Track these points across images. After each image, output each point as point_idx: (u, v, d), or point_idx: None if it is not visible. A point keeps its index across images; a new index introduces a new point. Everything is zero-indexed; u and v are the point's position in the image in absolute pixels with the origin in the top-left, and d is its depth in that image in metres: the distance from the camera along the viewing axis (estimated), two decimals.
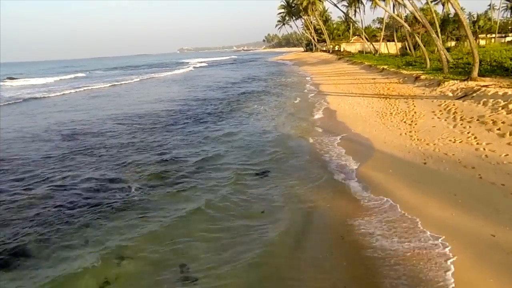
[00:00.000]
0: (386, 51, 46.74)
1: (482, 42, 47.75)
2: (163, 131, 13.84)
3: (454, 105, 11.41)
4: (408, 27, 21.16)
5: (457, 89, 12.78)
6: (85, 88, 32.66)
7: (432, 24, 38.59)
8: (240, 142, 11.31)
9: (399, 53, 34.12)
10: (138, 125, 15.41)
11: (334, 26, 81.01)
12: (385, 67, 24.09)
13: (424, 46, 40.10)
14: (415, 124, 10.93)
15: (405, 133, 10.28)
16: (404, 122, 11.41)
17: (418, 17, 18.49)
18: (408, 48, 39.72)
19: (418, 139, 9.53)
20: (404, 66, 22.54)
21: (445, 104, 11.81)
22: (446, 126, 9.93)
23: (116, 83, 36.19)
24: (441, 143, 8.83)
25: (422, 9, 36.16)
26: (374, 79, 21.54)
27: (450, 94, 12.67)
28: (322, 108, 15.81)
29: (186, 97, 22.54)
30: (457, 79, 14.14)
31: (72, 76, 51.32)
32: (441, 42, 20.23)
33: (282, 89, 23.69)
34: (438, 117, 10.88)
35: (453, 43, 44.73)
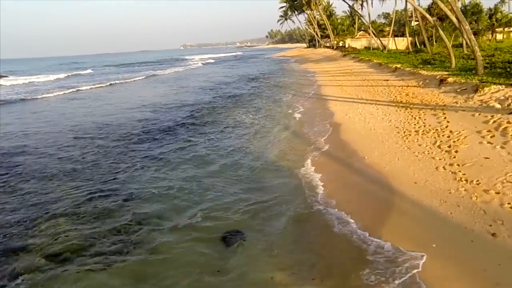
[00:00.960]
0: (394, 47, 43.37)
1: (499, 37, 44.21)
2: (123, 151, 10.88)
3: (509, 123, 8.27)
4: (431, 19, 17.87)
5: (507, 97, 9.61)
6: (72, 89, 29.36)
7: (447, 17, 35.19)
8: (209, 175, 8.30)
9: (411, 49, 30.76)
10: (98, 139, 12.51)
11: (339, 21, 77.53)
12: (399, 66, 20.84)
13: (436, 42, 36.76)
14: (455, 151, 7.81)
15: (444, 167, 7.18)
16: (438, 147, 8.29)
17: (444, 8, 15.29)
18: (420, 44, 36.32)
19: (466, 180, 6.43)
20: (421, 65, 19.30)
21: (495, 121, 8.66)
22: (508, 159, 6.80)
23: (106, 83, 32.83)
24: (510, 192, 5.73)
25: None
26: (387, 80, 18.33)
27: (498, 106, 9.50)
28: (324, 120, 12.71)
29: (169, 102, 19.52)
30: (501, 84, 10.94)
31: (65, 74, 47.80)
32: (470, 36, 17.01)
33: (278, 92, 20.57)
34: (489, 142, 7.75)
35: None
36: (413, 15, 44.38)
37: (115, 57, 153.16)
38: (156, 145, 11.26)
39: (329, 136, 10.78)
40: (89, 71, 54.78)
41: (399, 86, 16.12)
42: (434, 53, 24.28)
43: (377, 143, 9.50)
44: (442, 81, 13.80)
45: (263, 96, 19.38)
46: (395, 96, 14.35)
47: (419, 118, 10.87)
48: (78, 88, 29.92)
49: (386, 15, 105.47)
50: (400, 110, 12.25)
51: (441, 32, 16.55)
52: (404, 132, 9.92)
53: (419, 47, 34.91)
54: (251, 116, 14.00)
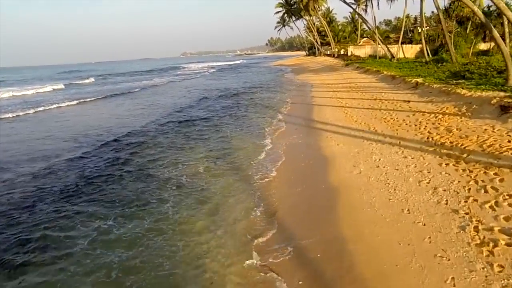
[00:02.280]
0: (401, 56, 38.45)
1: None
2: None
3: None
4: (481, 15, 12.75)
5: None
6: (38, 108, 23.33)
7: (468, 19, 30.33)
8: None
9: (427, 58, 25.74)
10: None
11: (340, 27, 73.12)
12: (420, 80, 15.79)
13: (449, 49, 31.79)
14: None
15: None
16: None
17: (498, 4, 10.38)
18: (431, 52, 31.41)
19: None
20: (453, 80, 14.24)
21: None
22: None
23: (81, 100, 26.76)
24: None
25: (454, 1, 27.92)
26: (408, 102, 13.26)
27: None
28: (315, 179, 7.63)
29: (116, 130, 14.37)
30: None
31: (50, 88, 40.75)
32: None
33: (259, 115, 15.41)
34: None
35: (488, 45, 36.34)
36: (424, 20, 39.60)
37: (115, 65, 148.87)
38: (15, 229, 6.19)
39: (322, 229, 5.67)
40: (74, 83, 50.01)
41: (430, 113, 11.03)
42: (464, 63, 19.21)
43: (424, 258, 4.45)
44: (505, 109, 8.71)
45: (235, 122, 14.22)
46: (429, 132, 9.25)
47: (493, 189, 5.78)
48: (47, 107, 23.80)
49: (388, 22, 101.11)
50: (447, 164, 7.16)
51: (495, 33, 11.49)
52: (476, 229, 4.86)
53: (430, 55, 30.05)
54: (197, 166, 8.82)
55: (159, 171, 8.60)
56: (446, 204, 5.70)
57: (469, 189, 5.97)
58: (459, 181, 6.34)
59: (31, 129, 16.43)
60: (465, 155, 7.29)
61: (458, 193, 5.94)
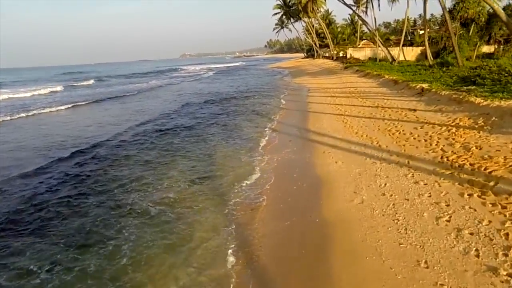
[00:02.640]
0: (402, 58, 37.19)
1: None
2: None
3: None
4: (503, 17, 11.45)
5: None
6: (24, 113, 21.52)
7: (472, 20, 29.05)
8: None
9: (430, 62, 24.41)
10: None
11: (339, 29, 72.01)
12: (425, 86, 14.47)
13: (453, 51, 30.59)
14: None
15: None
16: None
17: None
18: (433, 55, 30.14)
19: None
20: (463, 86, 12.91)
21: None
22: None
23: (73, 104, 24.84)
24: None
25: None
26: (414, 111, 11.91)
27: None
28: (309, 213, 6.22)
29: (93, 139, 13.04)
30: None
31: (48, 90, 39.03)
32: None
33: (252, 124, 14.05)
34: None
35: (492, 47, 35.13)
36: (426, 21, 38.43)
37: (114, 66, 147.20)
38: None
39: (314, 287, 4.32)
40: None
41: (441, 126, 9.67)
42: (472, 66, 17.87)
43: None
44: None
45: (222, 133, 12.83)
46: (443, 150, 7.90)
47: None
48: (38, 112, 22.21)
49: (388, 24, 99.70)
50: (470, 195, 5.80)
51: None
52: None
53: (432, 58, 28.75)
54: (169, 191, 7.40)
55: (122, 196, 7.21)
56: (477, 256, 4.34)
57: (507, 234, 4.61)
58: (489, 221, 4.98)
59: (8, 137, 15.03)
60: (492, 183, 5.93)
61: (491, 240, 4.58)
